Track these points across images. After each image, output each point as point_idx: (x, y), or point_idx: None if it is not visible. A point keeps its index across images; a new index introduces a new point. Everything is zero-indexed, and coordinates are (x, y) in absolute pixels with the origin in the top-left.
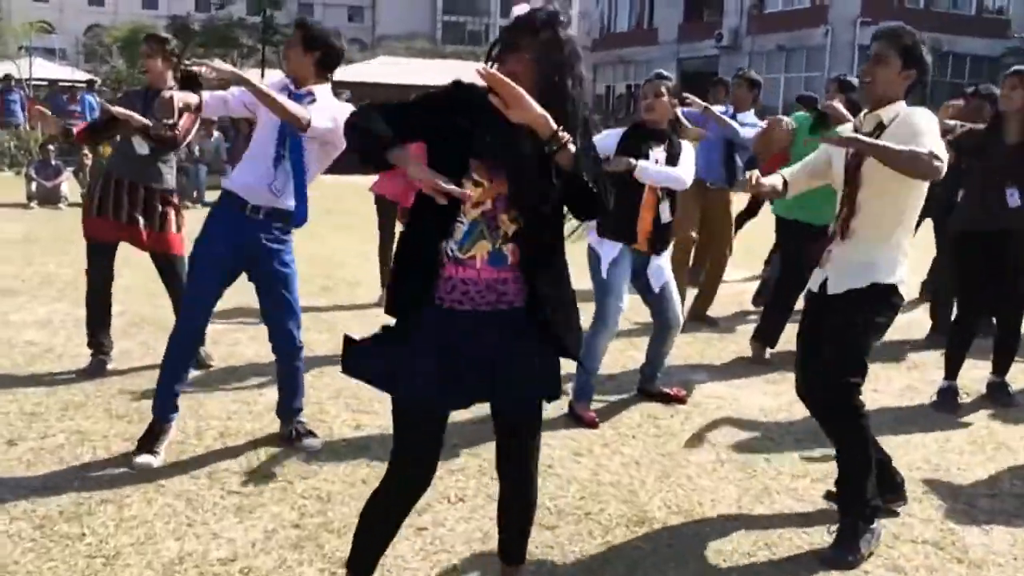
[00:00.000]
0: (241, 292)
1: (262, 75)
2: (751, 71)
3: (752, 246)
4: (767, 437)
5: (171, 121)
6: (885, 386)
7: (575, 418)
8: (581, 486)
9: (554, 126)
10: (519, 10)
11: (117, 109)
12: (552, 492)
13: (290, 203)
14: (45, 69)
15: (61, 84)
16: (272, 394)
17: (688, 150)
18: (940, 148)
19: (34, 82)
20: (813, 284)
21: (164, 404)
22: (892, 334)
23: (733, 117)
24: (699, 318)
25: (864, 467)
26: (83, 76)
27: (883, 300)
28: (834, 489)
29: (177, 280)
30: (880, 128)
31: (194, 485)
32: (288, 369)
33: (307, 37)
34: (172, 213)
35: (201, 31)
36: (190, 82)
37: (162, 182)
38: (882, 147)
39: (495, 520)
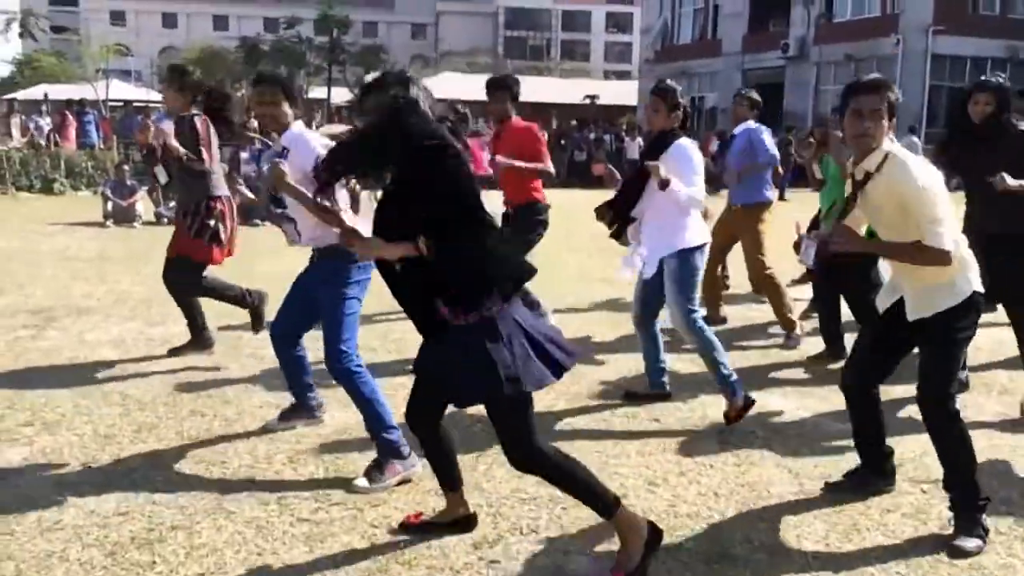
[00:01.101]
0: None
1: (328, 93)
2: (752, 91)
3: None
4: (850, 466)
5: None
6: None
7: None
8: (657, 518)
9: (415, 249)
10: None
11: (171, 143)
12: None
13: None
14: (121, 90)
15: (135, 105)
16: (342, 416)
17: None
18: (934, 219)
19: (111, 103)
20: (884, 304)
21: None
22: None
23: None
24: (787, 327)
25: (970, 463)
26: (158, 97)
27: (966, 314)
28: (831, 481)
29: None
30: (868, 178)
31: (264, 512)
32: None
33: (287, 91)
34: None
35: (270, 51)
36: (218, 107)
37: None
38: (886, 248)
39: (567, 552)
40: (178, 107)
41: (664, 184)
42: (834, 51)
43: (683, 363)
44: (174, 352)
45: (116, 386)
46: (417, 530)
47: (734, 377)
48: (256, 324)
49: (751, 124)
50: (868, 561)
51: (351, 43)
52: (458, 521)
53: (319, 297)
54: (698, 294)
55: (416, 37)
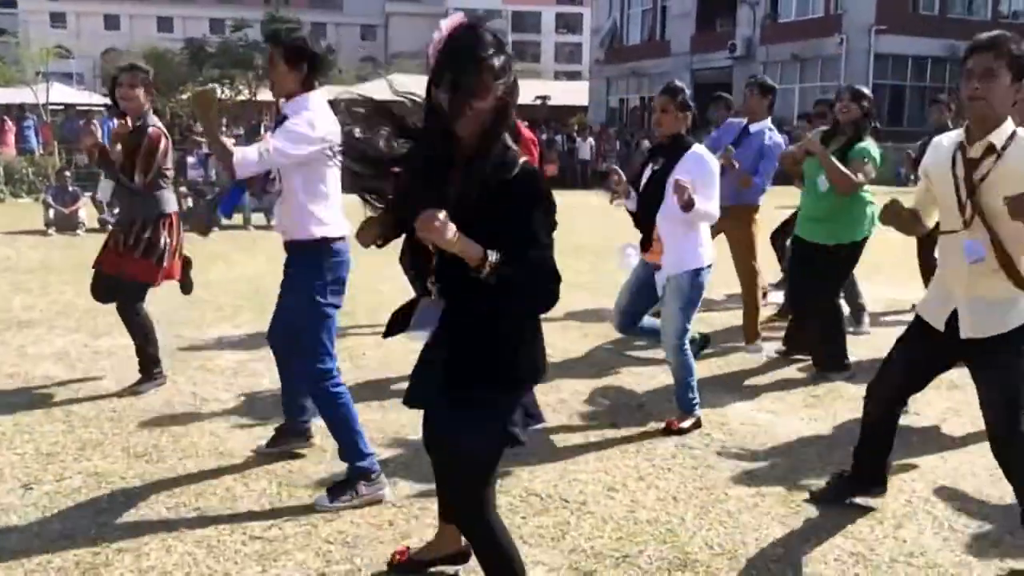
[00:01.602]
0: (262, 322)
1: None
2: (764, 76)
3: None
4: (808, 467)
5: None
6: (924, 408)
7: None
8: (617, 525)
9: (480, 256)
10: (449, 23)
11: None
12: (588, 532)
13: (297, 235)
14: (63, 94)
15: (78, 108)
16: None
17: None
18: None
19: (51, 107)
20: (934, 319)
21: None
22: None
23: (746, 128)
24: (752, 338)
25: None
26: (100, 100)
27: None
28: (815, 491)
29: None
30: (992, 153)
31: (215, 531)
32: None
33: (288, 53)
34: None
35: (216, 53)
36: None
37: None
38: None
39: None
40: (143, 110)
41: (689, 206)
42: (780, 51)
43: (640, 366)
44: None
45: (59, 401)
46: (406, 570)
47: (696, 401)
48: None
49: (768, 125)
50: (827, 563)
51: None
52: (450, 557)
53: (290, 306)
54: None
55: (366, 38)
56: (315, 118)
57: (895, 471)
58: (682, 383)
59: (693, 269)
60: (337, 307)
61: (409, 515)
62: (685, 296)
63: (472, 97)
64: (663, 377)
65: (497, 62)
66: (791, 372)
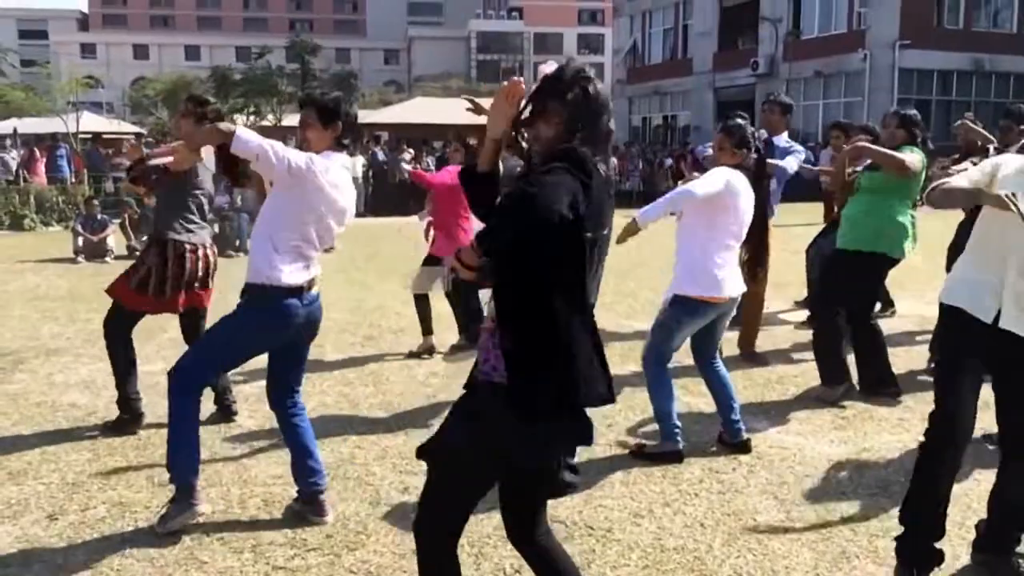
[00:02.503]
0: None
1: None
2: (782, 95)
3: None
4: (839, 491)
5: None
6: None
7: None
8: (644, 552)
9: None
10: (547, 68)
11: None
12: (613, 560)
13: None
14: (93, 123)
15: (105, 137)
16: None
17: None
18: None
19: (82, 135)
20: (982, 313)
21: None
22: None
23: (768, 142)
24: (748, 355)
25: None
26: (130, 128)
27: None
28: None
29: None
30: None
31: (238, 561)
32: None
33: (322, 113)
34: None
35: (241, 81)
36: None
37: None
38: None
39: None
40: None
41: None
42: (803, 67)
43: None
44: None
45: (85, 430)
46: None
47: (676, 429)
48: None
49: (786, 138)
50: None
51: (323, 69)
52: None
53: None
54: (674, 348)
55: (389, 62)
56: (325, 164)
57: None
58: (655, 406)
59: (673, 295)
60: (257, 348)
61: None
62: (661, 315)
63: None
64: (688, 400)
65: None
66: (812, 392)
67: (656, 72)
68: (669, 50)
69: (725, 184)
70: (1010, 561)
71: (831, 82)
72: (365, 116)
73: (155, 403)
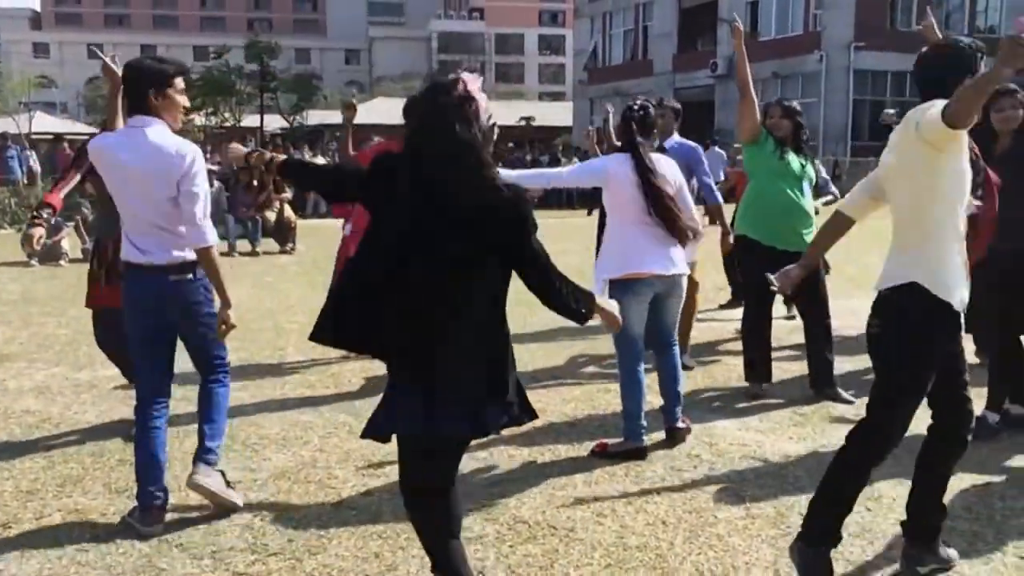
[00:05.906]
0: (245, 351)
1: (261, 121)
2: (673, 100)
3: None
4: (797, 487)
5: None
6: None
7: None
8: (606, 551)
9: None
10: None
11: None
12: (576, 560)
13: None
14: (46, 123)
15: (67, 138)
16: (279, 460)
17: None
18: None
19: (34, 136)
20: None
21: None
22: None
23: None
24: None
25: None
26: (84, 128)
27: None
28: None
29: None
30: None
31: (197, 567)
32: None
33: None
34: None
35: (199, 80)
36: None
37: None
38: None
39: None
40: None
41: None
42: (761, 68)
43: None
44: None
45: (39, 437)
46: None
47: (642, 430)
48: None
49: (676, 138)
50: None
51: (283, 70)
52: None
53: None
54: (634, 335)
55: (350, 63)
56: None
57: (882, 491)
58: (623, 403)
59: (600, 283)
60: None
61: (396, 546)
62: None
63: None
64: (651, 397)
65: None
66: (774, 390)
67: (617, 73)
68: (629, 51)
69: (602, 168)
70: (937, 551)
71: (788, 83)
72: (326, 117)
73: (112, 408)
